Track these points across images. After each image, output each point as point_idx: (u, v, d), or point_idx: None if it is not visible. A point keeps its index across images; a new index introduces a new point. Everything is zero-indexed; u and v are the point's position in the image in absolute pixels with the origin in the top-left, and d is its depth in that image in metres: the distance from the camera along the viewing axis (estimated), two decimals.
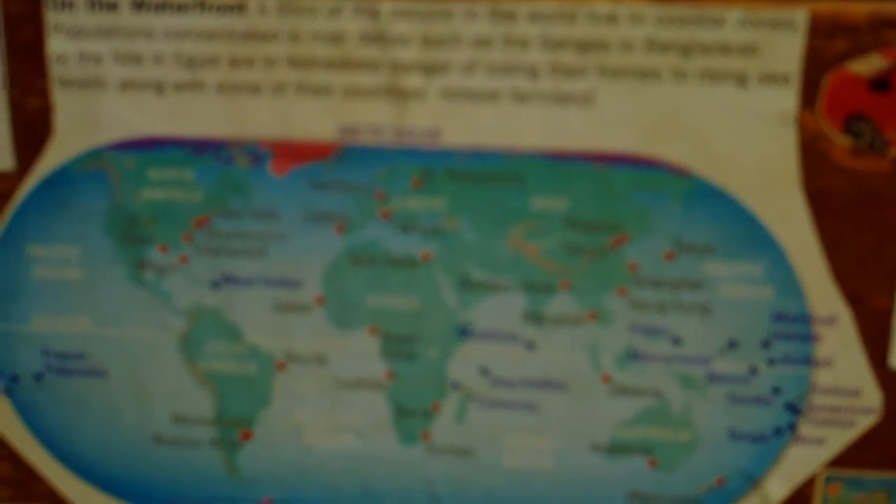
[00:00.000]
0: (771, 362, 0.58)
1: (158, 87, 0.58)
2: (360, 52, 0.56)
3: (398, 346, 0.61)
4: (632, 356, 0.59)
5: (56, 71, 0.58)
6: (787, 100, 0.54)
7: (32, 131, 0.60)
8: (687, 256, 0.57)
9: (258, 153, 0.58)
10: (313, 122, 0.58)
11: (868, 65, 0.54)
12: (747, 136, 0.55)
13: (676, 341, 0.59)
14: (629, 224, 0.57)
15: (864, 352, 0.58)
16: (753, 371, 0.59)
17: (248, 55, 0.57)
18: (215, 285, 0.61)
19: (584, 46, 0.55)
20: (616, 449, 0.61)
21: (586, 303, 0.59)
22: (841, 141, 0.55)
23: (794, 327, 0.58)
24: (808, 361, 0.58)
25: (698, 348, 0.59)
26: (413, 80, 0.56)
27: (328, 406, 0.62)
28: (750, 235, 0.56)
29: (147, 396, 0.63)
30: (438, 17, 0.55)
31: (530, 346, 0.60)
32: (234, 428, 0.63)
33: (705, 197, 0.56)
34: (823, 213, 0.56)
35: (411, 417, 0.62)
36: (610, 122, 0.56)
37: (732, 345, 0.58)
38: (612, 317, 0.59)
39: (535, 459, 0.62)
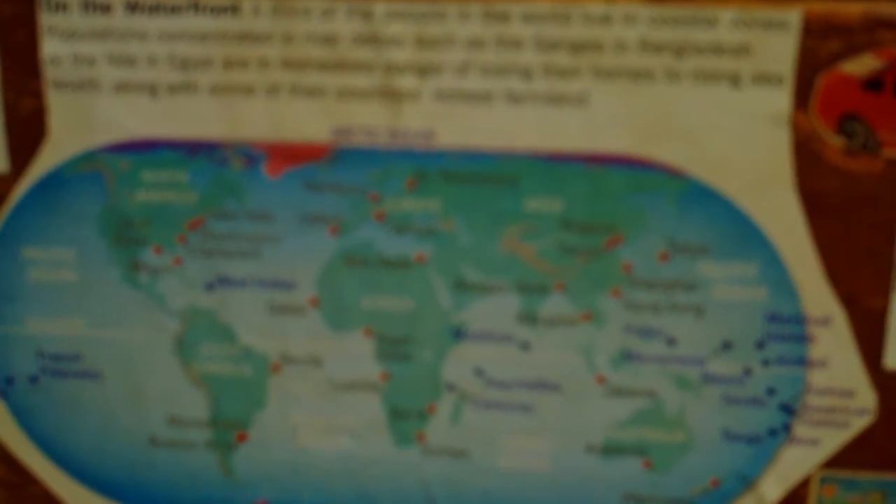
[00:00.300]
0: (765, 363, 0.59)
1: (152, 89, 0.59)
2: (354, 53, 0.57)
3: (393, 348, 0.61)
4: (626, 357, 0.60)
5: (50, 73, 0.59)
6: (781, 100, 0.55)
7: (26, 133, 0.60)
8: (681, 257, 0.58)
9: (252, 155, 0.59)
10: (307, 123, 0.58)
11: (861, 65, 0.54)
12: (741, 136, 0.56)
13: (671, 342, 0.59)
14: (623, 225, 0.58)
15: (859, 352, 0.58)
16: (748, 372, 0.59)
17: (241, 57, 0.58)
18: (209, 287, 0.61)
19: (578, 47, 0.55)
20: (611, 450, 0.61)
21: (580, 304, 0.59)
22: (834, 141, 0.55)
23: (789, 328, 0.58)
24: (803, 362, 0.59)
25: (693, 349, 0.59)
26: (407, 82, 0.57)
27: (323, 408, 0.63)
28: (744, 236, 0.57)
29: (142, 398, 0.64)
30: (432, 19, 0.56)
31: (525, 347, 0.60)
32: (228, 430, 0.64)
33: (699, 198, 0.57)
34: (817, 213, 0.56)
35: (406, 419, 0.62)
36: (603, 122, 0.56)
37: (727, 346, 0.59)
38: (607, 317, 0.59)
39: (529, 461, 0.62)
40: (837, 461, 0.60)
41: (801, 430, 0.60)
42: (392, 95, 0.57)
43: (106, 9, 0.58)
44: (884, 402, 0.59)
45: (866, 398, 0.59)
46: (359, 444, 0.63)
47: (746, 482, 0.61)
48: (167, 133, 0.59)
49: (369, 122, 0.58)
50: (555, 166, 0.57)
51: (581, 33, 0.55)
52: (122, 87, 0.59)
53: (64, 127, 0.60)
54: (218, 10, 0.57)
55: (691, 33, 0.55)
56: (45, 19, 0.58)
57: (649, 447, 0.61)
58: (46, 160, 0.60)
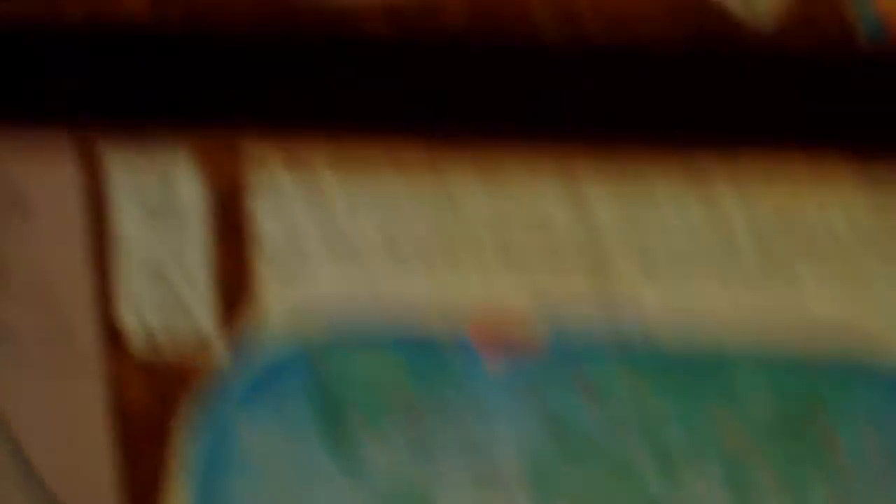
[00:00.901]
0: None
1: (365, 269, 0.62)
2: (567, 236, 0.60)
3: None
4: None
5: (263, 247, 0.63)
6: None
7: (236, 306, 0.64)
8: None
9: (466, 345, 0.62)
10: (518, 306, 0.61)
11: None
12: None
13: None
14: (836, 414, 0.59)
15: None
16: None
17: (454, 241, 0.61)
18: (418, 475, 0.64)
19: (790, 229, 0.58)
20: None
21: (791, 491, 0.61)
22: None
23: None
24: None
25: None
26: (619, 265, 0.60)
27: None
28: None
29: None
30: (644, 203, 0.59)
31: None
32: None
33: None
34: None
35: None
36: (816, 306, 0.58)
37: None
38: None
39: None
40: None
41: None
42: (604, 278, 0.60)
43: (316, 186, 0.62)
44: None
45: None
46: None
47: None
48: (377, 311, 0.63)
49: (582, 306, 0.60)
50: (767, 350, 0.59)
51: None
52: (332, 262, 0.62)
53: (274, 301, 0.63)
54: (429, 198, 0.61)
55: None
56: (258, 196, 0.62)
57: None
58: (256, 333, 0.64)
